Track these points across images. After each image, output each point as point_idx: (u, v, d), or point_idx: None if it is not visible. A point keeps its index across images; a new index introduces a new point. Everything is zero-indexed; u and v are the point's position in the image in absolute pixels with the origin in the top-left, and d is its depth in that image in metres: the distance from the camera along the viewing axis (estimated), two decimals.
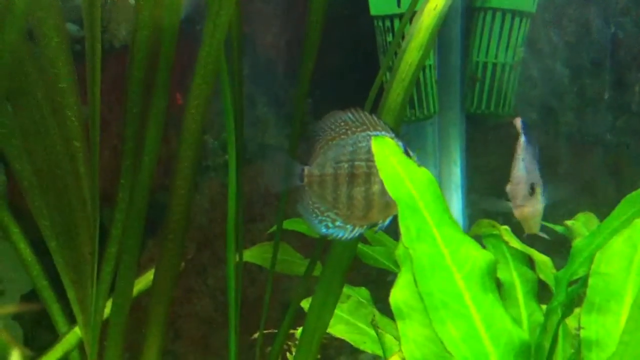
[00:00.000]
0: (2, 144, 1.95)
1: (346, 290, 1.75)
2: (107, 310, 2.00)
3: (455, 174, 2.47)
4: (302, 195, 1.42)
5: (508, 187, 1.44)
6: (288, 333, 1.62)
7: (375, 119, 1.36)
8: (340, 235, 1.36)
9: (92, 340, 1.96)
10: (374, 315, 1.57)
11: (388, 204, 1.29)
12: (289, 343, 2.01)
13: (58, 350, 2.00)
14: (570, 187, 2.45)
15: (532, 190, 1.38)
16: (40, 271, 2.08)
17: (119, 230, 1.99)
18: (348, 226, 1.35)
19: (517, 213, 1.48)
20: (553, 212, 1.95)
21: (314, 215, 1.39)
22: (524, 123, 1.42)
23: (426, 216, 1.07)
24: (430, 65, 2.37)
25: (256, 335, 2.02)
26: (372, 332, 1.56)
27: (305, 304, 1.86)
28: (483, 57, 2.42)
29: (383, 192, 1.28)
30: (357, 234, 1.35)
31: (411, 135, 2.51)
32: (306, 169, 1.40)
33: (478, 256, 1.02)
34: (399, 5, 2.34)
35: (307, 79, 1.82)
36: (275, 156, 1.47)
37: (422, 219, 1.07)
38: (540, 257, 1.70)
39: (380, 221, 1.32)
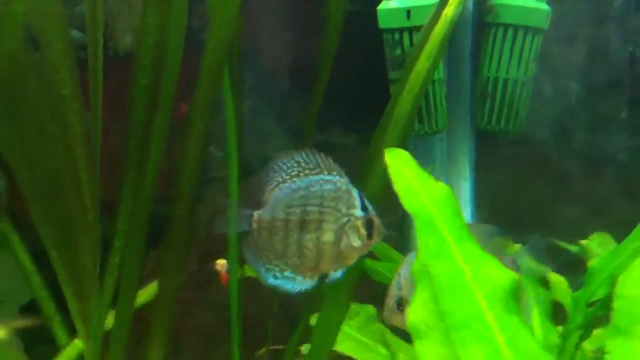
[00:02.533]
0: (3, 151, 1.92)
1: (353, 307, 1.71)
2: (108, 322, 1.97)
3: (465, 189, 2.44)
4: (250, 241, 1.32)
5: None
6: (297, 349, 1.58)
7: (330, 162, 1.30)
8: (288, 287, 1.28)
9: (94, 353, 1.92)
10: (385, 334, 1.53)
11: (341, 253, 1.24)
12: None
13: None
14: (583, 207, 2.42)
15: (399, 305, 1.32)
16: (41, 281, 2.05)
17: (122, 241, 1.96)
18: (298, 277, 1.28)
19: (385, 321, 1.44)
20: (566, 232, 1.92)
21: (261, 263, 1.31)
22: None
23: (444, 233, 1.04)
24: (439, 79, 2.34)
25: (262, 351, 1.98)
26: (382, 350, 1.52)
27: (313, 320, 1.82)
28: (494, 73, 2.39)
29: (335, 240, 1.23)
30: (307, 287, 1.27)
31: (419, 151, 2.48)
32: (255, 213, 1.30)
33: (500, 275, 0.98)
34: (408, 18, 2.31)
35: (321, 91, 1.80)
36: (222, 197, 1.37)
37: (440, 235, 1.03)
38: (555, 277, 1.66)
39: (332, 271, 1.26)
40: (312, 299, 1.78)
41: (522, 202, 2.67)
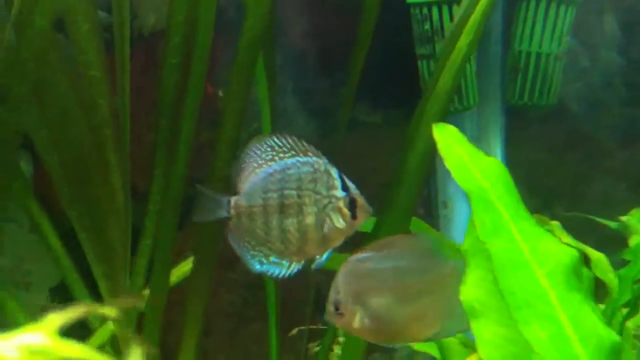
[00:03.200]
0: (30, 135, 1.91)
1: None
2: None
3: None
4: (232, 228, 1.29)
5: None
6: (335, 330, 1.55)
7: (305, 144, 1.25)
8: (276, 272, 1.26)
9: (127, 336, 1.92)
10: None
11: (325, 236, 1.21)
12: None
13: (91, 345, 1.96)
14: (620, 183, 2.38)
15: (337, 309, 1.29)
16: (70, 264, 2.04)
17: (153, 223, 1.94)
18: (284, 262, 1.25)
19: None
20: (604, 208, 1.88)
21: (246, 249, 1.28)
22: None
23: (501, 209, 1.01)
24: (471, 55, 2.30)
25: (294, 332, 1.97)
26: None
27: None
28: (526, 46, 2.34)
29: (318, 223, 1.21)
30: (295, 271, 1.24)
31: None
32: (232, 199, 1.27)
33: (560, 252, 0.95)
34: None
35: (358, 69, 1.76)
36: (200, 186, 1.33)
37: (497, 212, 1.00)
38: (595, 254, 1.63)
39: (318, 256, 1.24)
40: None
41: (556, 178, 2.62)
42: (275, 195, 1.24)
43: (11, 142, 1.79)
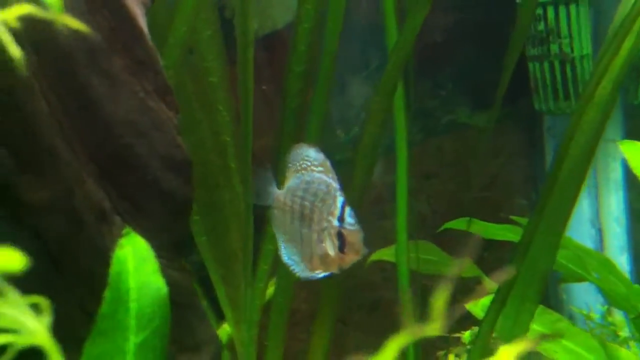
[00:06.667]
0: None
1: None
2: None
3: (615, 169, 2.34)
4: (271, 216, 1.38)
5: None
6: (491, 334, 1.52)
7: (329, 164, 1.29)
8: (296, 270, 1.29)
9: (249, 340, 1.93)
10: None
11: (321, 256, 1.22)
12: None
13: None
14: None
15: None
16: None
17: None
18: (302, 264, 1.28)
19: None
20: None
21: (281, 239, 1.34)
22: None
23: None
24: (587, 55, 2.24)
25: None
26: (563, 342, 1.47)
27: (473, 307, 1.78)
28: None
29: (317, 241, 1.22)
30: (309, 276, 1.26)
31: (558, 129, 2.39)
32: (278, 192, 1.35)
33: None
34: None
35: (511, 68, 1.73)
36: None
37: None
38: None
39: (318, 271, 1.25)
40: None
41: None
42: (298, 202, 1.29)
43: None
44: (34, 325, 0.43)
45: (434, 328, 0.42)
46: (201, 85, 1.93)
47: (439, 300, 0.42)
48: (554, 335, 1.42)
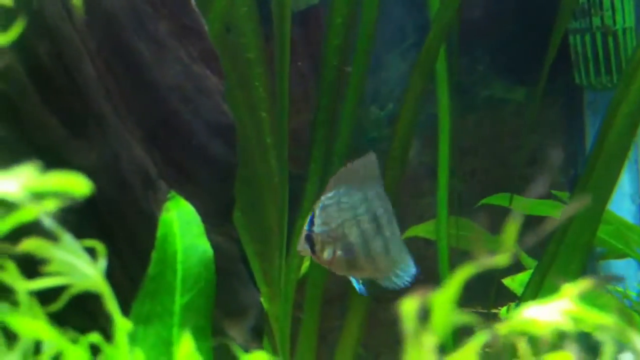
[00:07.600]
0: None
1: None
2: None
3: None
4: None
5: None
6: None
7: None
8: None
9: (284, 315, 1.94)
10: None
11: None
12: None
13: None
14: None
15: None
16: None
17: (311, 203, 1.95)
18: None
19: None
20: None
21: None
22: None
23: None
24: (630, 28, 2.19)
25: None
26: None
27: (511, 283, 1.76)
28: None
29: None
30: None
31: (599, 103, 2.35)
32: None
33: None
34: None
35: (556, 45, 1.69)
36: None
37: None
38: None
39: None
40: None
41: None
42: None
43: None
44: (89, 269, 0.43)
45: (504, 258, 0.41)
46: (238, 61, 1.93)
47: (510, 230, 0.41)
48: (615, 278, 1.39)
